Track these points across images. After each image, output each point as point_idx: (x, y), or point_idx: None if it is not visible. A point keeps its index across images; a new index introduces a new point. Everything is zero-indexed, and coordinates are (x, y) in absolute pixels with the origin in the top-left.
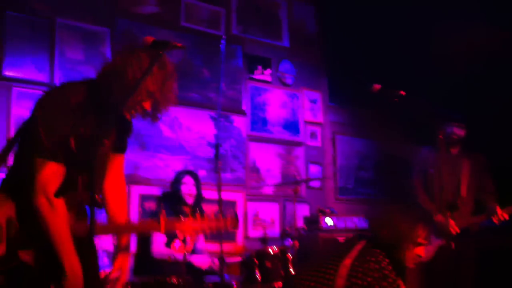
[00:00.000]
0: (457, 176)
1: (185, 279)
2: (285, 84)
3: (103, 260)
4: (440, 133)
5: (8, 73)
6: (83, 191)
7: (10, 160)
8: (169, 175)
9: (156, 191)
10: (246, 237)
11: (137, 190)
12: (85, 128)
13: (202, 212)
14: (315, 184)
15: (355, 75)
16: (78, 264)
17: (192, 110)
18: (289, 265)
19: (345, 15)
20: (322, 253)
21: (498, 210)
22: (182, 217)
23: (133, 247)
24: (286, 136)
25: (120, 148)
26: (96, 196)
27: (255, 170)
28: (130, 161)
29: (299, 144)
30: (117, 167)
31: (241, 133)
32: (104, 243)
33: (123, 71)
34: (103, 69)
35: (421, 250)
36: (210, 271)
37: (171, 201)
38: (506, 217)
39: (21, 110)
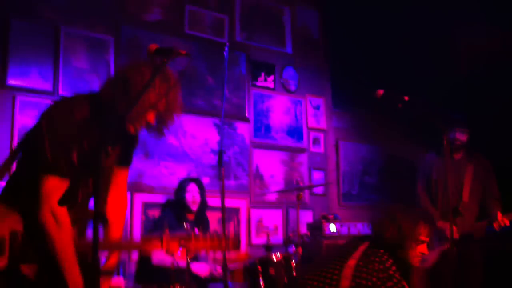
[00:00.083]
0: (460, 182)
1: (189, 286)
2: (288, 91)
3: None
4: (444, 138)
5: (12, 82)
6: (83, 205)
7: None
8: (173, 182)
9: (159, 198)
10: (250, 244)
11: (140, 198)
12: (88, 142)
13: (206, 221)
14: (319, 190)
15: (358, 80)
16: (81, 281)
17: (196, 117)
18: (293, 272)
19: (348, 21)
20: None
21: (499, 216)
22: (185, 225)
23: (135, 254)
24: (290, 142)
25: (125, 161)
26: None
27: (259, 176)
28: (134, 169)
29: (302, 150)
30: (121, 180)
31: (245, 140)
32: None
33: (125, 85)
34: (106, 83)
35: (424, 248)
36: (213, 279)
37: (175, 208)
38: (507, 223)
39: (25, 119)
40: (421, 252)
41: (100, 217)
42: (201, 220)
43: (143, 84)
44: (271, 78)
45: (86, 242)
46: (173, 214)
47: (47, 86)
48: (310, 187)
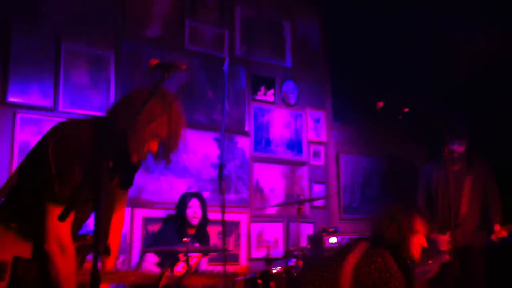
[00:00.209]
0: (459, 193)
1: None
2: (288, 104)
3: None
4: (445, 149)
5: (13, 98)
6: (75, 230)
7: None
8: (173, 197)
9: (159, 213)
10: (250, 258)
11: (140, 213)
12: (91, 168)
13: (207, 236)
14: (319, 203)
15: (359, 93)
16: None
17: (196, 132)
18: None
19: (348, 33)
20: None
21: (497, 227)
22: (186, 239)
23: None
24: (290, 156)
25: (126, 185)
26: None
27: (259, 190)
28: (134, 184)
29: (302, 163)
30: (121, 200)
31: (245, 153)
32: None
33: (128, 113)
34: (111, 110)
35: (423, 240)
36: None
37: (176, 223)
38: (505, 234)
39: (25, 135)
40: (421, 244)
41: (103, 249)
42: (201, 235)
43: (145, 114)
44: (271, 91)
45: (86, 271)
46: (174, 229)
47: (47, 102)
48: (310, 200)
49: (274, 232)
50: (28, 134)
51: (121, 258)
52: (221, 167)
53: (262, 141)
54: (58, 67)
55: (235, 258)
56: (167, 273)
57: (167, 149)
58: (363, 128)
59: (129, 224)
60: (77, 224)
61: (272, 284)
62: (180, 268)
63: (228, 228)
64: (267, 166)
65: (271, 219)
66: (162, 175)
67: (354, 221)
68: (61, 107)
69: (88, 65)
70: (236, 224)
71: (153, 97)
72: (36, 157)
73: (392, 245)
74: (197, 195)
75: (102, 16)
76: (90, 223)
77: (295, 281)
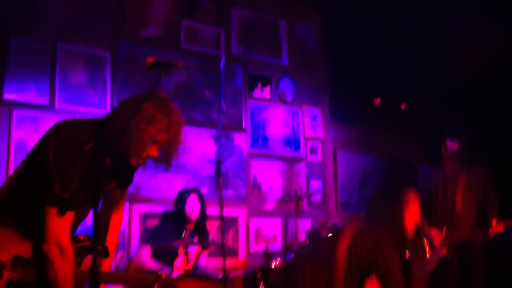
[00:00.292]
0: (453, 191)
1: None
2: (285, 102)
3: None
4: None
5: (9, 96)
6: (72, 231)
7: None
8: (171, 193)
9: (157, 209)
10: (249, 253)
11: (138, 209)
12: (90, 172)
13: (206, 232)
14: (317, 199)
15: (356, 91)
16: None
17: (193, 129)
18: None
19: (345, 32)
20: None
21: (494, 222)
22: (184, 234)
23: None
24: (287, 152)
25: (125, 184)
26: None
27: (257, 186)
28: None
29: (299, 160)
30: (118, 200)
31: (242, 150)
32: None
33: (127, 121)
34: (110, 115)
35: (416, 216)
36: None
37: (174, 219)
38: (501, 229)
39: (21, 133)
40: (415, 221)
41: (102, 251)
42: (200, 231)
43: (145, 121)
44: (268, 89)
45: (82, 272)
46: (172, 225)
47: (44, 100)
48: (308, 196)
49: (272, 228)
50: (25, 132)
51: (120, 253)
52: (218, 164)
53: (259, 138)
54: (54, 67)
55: (234, 253)
56: (162, 276)
57: (167, 154)
58: (360, 125)
59: (128, 220)
60: (75, 224)
61: (271, 278)
62: (179, 263)
63: (227, 223)
64: (264, 162)
65: (269, 214)
66: (159, 172)
67: (352, 217)
68: (57, 105)
69: (84, 64)
70: (235, 220)
71: (153, 104)
72: (36, 157)
73: (385, 220)
74: (195, 191)
75: (99, 16)
76: (88, 221)
77: (292, 266)
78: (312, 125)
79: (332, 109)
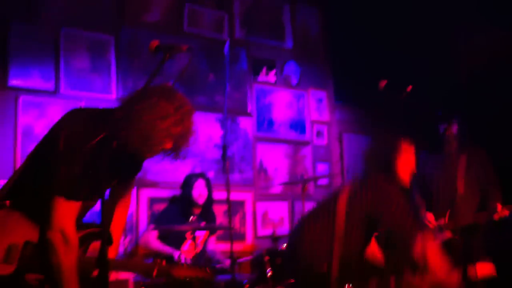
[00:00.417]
0: (454, 174)
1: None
2: (290, 85)
3: None
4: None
5: (14, 82)
6: (80, 218)
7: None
8: (178, 177)
9: (164, 193)
10: (256, 236)
11: (146, 193)
12: (99, 164)
13: (213, 216)
14: (323, 182)
15: (360, 73)
16: None
17: (198, 113)
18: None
19: (348, 13)
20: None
21: (499, 206)
22: (191, 218)
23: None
24: (293, 136)
25: (133, 175)
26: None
27: (263, 170)
28: None
29: (305, 143)
30: (126, 188)
31: (248, 134)
32: None
33: (138, 120)
34: (120, 113)
35: (410, 162)
36: (221, 270)
37: (181, 203)
38: (506, 213)
39: (27, 118)
40: (410, 168)
41: (105, 239)
42: (207, 215)
43: (158, 115)
44: (273, 73)
45: (89, 259)
46: (179, 209)
47: (49, 85)
48: (314, 179)
49: (279, 211)
50: (31, 117)
51: (128, 237)
52: (224, 147)
53: (264, 122)
54: (58, 52)
55: (241, 237)
56: (160, 264)
57: (179, 145)
58: (365, 108)
59: (135, 205)
60: (83, 211)
61: (279, 261)
62: (187, 247)
63: (234, 207)
64: (270, 146)
65: (276, 197)
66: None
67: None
68: (62, 90)
69: (88, 49)
70: (241, 203)
71: (164, 97)
72: (47, 144)
73: (380, 170)
74: (202, 175)
75: (101, 1)
76: (95, 207)
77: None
78: (318, 108)
79: (338, 91)
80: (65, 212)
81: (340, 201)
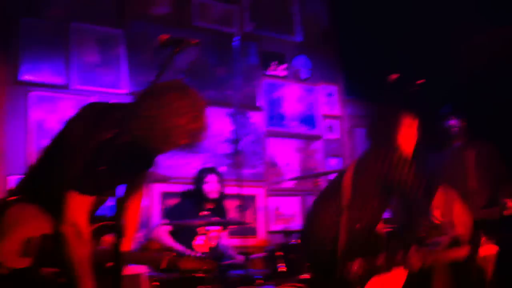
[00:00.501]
0: (463, 168)
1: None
2: (300, 79)
3: None
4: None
5: (25, 77)
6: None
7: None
8: (190, 172)
9: (177, 188)
10: (268, 231)
11: (158, 188)
12: (113, 159)
13: (224, 211)
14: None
15: (371, 66)
16: None
17: (208, 108)
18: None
19: (358, 6)
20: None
21: (509, 202)
22: (203, 213)
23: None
24: (304, 130)
25: (146, 169)
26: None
27: (274, 165)
28: None
29: (317, 137)
30: (139, 182)
31: (259, 129)
32: None
33: (158, 119)
34: (135, 110)
35: (412, 136)
36: (234, 266)
37: (193, 198)
38: None
39: (39, 113)
40: (412, 144)
41: (118, 231)
42: (219, 210)
43: (173, 113)
44: (283, 67)
45: (102, 251)
46: (191, 204)
47: (60, 80)
48: (325, 174)
49: (291, 206)
50: (42, 112)
51: (140, 232)
52: (235, 142)
53: (275, 116)
54: (68, 46)
55: (253, 232)
56: (169, 256)
57: (194, 140)
58: (377, 101)
59: (148, 199)
60: (96, 206)
61: (292, 256)
62: (199, 242)
63: (245, 202)
64: (281, 140)
65: (287, 192)
66: (176, 152)
67: None
68: (73, 85)
69: (98, 43)
70: (252, 198)
71: (178, 95)
72: (61, 138)
73: (382, 143)
74: (214, 170)
75: None
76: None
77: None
78: (329, 102)
79: (348, 85)
80: (78, 206)
81: (346, 177)
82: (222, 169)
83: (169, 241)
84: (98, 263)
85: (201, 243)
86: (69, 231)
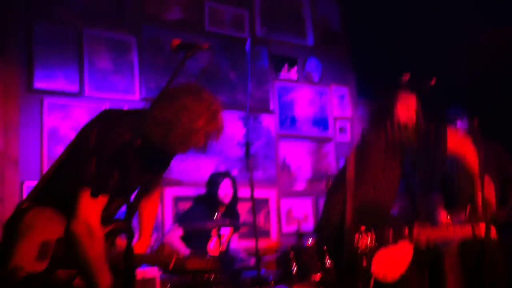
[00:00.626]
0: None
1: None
2: (311, 82)
3: None
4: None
5: (39, 85)
6: (112, 216)
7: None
8: (202, 176)
9: (189, 192)
10: (281, 233)
11: (170, 192)
12: (130, 163)
13: (237, 214)
14: None
15: (382, 68)
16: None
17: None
18: (325, 257)
19: (369, 7)
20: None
21: None
22: (216, 216)
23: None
24: (315, 132)
25: (162, 173)
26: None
27: (286, 167)
28: None
29: (328, 140)
30: (154, 185)
31: (270, 132)
32: None
33: (177, 123)
34: (151, 114)
35: (410, 111)
36: (246, 267)
37: (206, 202)
38: None
39: (53, 120)
40: (409, 118)
41: (130, 231)
42: (231, 213)
43: (190, 116)
44: (294, 70)
45: (115, 253)
46: (204, 208)
47: (74, 87)
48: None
49: (303, 208)
50: (56, 119)
51: (154, 236)
52: (247, 145)
53: (287, 119)
54: (81, 53)
55: (266, 234)
56: (177, 257)
57: (210, 141)
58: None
59: (160, 204)
60: (114, 210)
61: (304, 257)
62: (212, 245)
63: (258, 205)
64: (293, 143)
65: (300, 194)
66: (189, 155)
67: None
68: (87, 92)
69: (110, 50)
70: (265, 201)
71: (194, 97)
72: (78, 142)
73: (381, 117)
74: (228, 175)
75: (122, 1)
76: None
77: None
78: (340, 104)
79: (360, 87)
80: (91, 205)
81: (351, 155)
82: (234, 172)
83: (181, 247)
84: (112, 265)
85: (214, 246)
86: (81, 229)
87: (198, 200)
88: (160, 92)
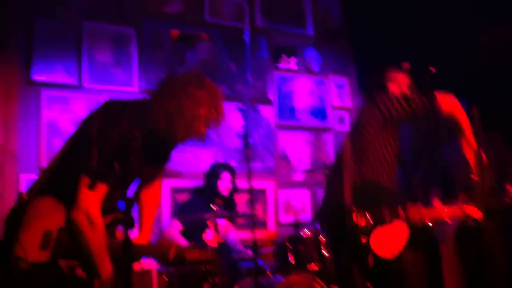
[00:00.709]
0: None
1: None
2: (311, 72)
3: None
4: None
5: (38, 77)
6: (114, 207)
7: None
8: (200, 167)
9: (187, 183)
10: (278, 224)
11: (168, 184)
12: (130, 153)
13: (234, 205)
14: None
15: (382, 58)
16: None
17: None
18: (322, 247)
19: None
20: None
21: (510, 188)
22: (214, 207)
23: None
24: (314, 122)
25: (163, 163)
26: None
27: (285, 158)
28: None
29: (327, 130)
30: (155, 176)
31: (269, 122)
32: None
33: (180, 111)
34: (153, 103)
35: (402, 85)
36: (243, 258)
37: (205, 193)
38: None
39: (52, 113)
40: (401, 92)
41: (128, 222)
42: (229, 204)
43: (193, 103)
44: (294, 60)
45: (116, 243)
46: (202, 199)
47: (72, 80)
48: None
49: (301, 199)
50: (55, 112)
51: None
52: (246, 136)
53: (286, 110)
54: (80, 46)
55: (263, 225)
56: (176, 248)
57: (213, 129)
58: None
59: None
60: (115, 200)
61: (301, 247)
62: (209, 235)
63: (255, 195)
64: (292, 134)
65: (298, 185)
66: (187, 145)
67: None
68: (86, 84)
69: (110, 42)
70: (263, 191)
71: (196, 84)
72: (81, 132)
73: (374, 94)
74: (228, 167)
75: None
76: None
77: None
78: (339, 94)
79: (359, 77)
80: (91, 195)
81: (347, 138)
82: (233, 163)
83: (180, 240)
84: (112, 256)
85: (211, 237)
86: (81, 217)
87: (196, 192)
88: (161, 82)
